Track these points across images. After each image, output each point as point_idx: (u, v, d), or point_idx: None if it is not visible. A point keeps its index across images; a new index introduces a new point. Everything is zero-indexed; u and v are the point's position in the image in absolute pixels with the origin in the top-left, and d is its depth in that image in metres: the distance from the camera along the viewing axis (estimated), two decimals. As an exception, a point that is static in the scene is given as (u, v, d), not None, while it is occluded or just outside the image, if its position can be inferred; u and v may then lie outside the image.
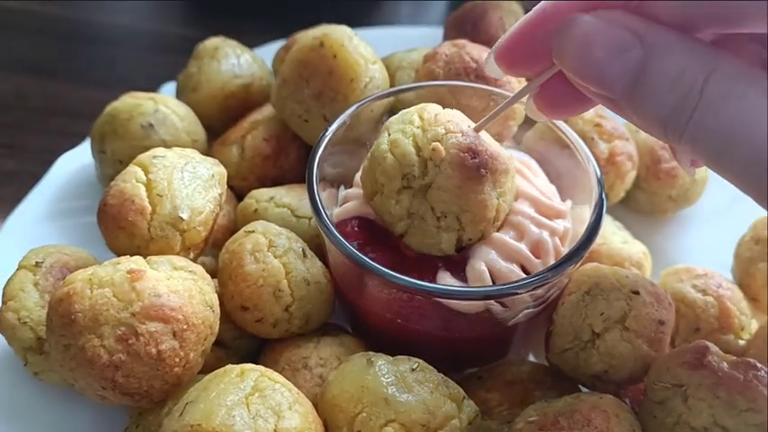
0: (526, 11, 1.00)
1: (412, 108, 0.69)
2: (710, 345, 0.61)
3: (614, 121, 0.84)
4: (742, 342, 0.73)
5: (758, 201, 0.46)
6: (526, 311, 0.67)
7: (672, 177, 0.87)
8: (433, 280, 0.65)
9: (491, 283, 0.64)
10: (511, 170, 0.68)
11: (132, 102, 0.83)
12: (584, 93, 0.52)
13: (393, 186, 0.66)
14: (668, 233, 0.91)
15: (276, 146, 0.85)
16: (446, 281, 0.64)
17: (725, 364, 0.59)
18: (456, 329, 0.67)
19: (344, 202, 0.73)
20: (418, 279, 0.62)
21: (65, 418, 0.71)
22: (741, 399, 0.56)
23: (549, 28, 0.51)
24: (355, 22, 0.86)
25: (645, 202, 0.90)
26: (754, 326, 0.75)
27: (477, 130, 0.67)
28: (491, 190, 0.66)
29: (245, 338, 0.73)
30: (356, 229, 0.70)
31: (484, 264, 0.66)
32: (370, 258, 0.63)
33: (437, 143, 0.64)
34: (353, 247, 0.64)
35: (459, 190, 0.64)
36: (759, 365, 0.59)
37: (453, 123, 0.66)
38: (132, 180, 0.67)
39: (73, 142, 0.95)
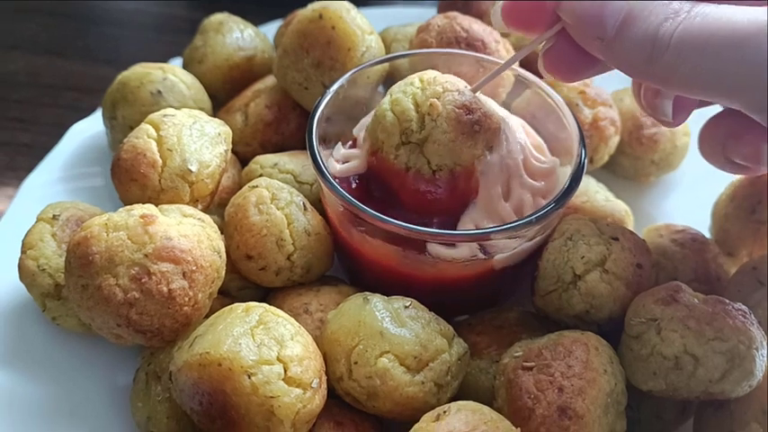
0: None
1: (414, 74, 0.74)
2: (683, 284, 0.66)
3: (598, 88, 0.89)
4: (718, 292, 0.77)
5: (737, 104, 0.53)
6: (508, 254, 0.71)
7: (654, 142, 0.91)
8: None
9: None
10: (504, 128, 0.73)
11: (142, 71, 0.87)
12: (583, 47, 0.58)
13: (392, 142, 0.71)
14: (651, 197, 0.95)
15: (278, 113, 0.89)
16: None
17: (696, 300, 0.63)
18: (446, 275, 0.72)
19: (345, 161, 0.77)
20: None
21: (81, 362, 0.75)
22: (709, 329, 0.60)
23: None
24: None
25: (629, 167, 0.94)
26: (729, 277, 0.79)
27: (474, 90, 0.71)
28: (483, 146, 0.70)
29: (249, 289, 0.77)
30: (355, 185, 0.74)
31: (472, 223, 0.71)
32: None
33: (435, 99, 0.69)
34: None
35: (453, 144, 0.69)
36: (727, 301, 0.63)
37: (451, 83, 0.71)
38: (144, 136, 0.71)
39: (83, 116, 0.98)
